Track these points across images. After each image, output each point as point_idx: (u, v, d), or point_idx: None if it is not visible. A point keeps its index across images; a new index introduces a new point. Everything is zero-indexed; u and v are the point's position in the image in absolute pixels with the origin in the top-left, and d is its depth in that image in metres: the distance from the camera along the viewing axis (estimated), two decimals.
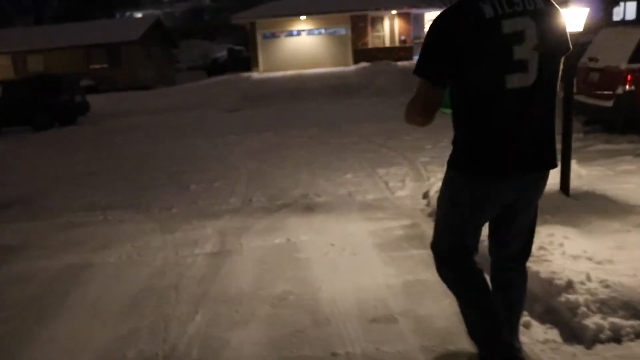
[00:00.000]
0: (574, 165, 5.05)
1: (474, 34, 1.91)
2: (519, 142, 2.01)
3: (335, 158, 8.03)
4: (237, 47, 34.56)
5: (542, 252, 3.14)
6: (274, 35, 28.07)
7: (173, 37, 33.67)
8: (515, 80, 1.94)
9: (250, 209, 5.66)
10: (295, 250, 4.23)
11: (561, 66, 2.10)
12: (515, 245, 2.31)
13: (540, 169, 2.14)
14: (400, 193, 5.86)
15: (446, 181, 2.20)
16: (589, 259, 3.07)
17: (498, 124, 1.99)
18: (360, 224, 4.77)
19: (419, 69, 2.00)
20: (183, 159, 8.86)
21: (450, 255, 2.27)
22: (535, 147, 2.05)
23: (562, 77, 2.12)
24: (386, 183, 6.33)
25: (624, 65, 7.26)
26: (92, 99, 18.39)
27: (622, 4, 26.38)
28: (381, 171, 6.93)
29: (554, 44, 2.03)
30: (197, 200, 6.23)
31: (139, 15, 42.65)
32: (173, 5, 56.96)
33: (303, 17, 27.30)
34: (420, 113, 2.02)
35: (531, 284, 2.88)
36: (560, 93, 2.29)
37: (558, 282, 2.81)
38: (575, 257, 3.08)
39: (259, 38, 27.84)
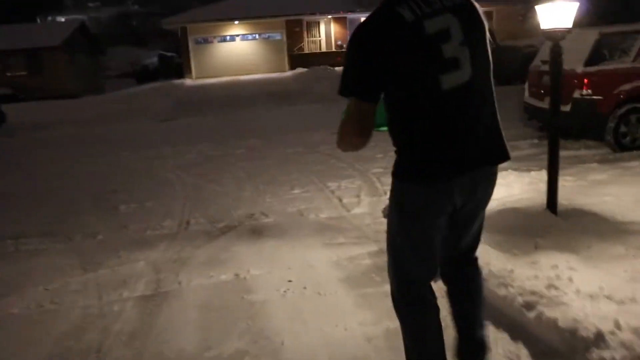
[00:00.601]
0: (544, 175, 4.63)
1: (397, 41, 1.83)
2: (461, 140, 1.92)
3: (280, 171, 7.37)
4: (169, 54, 33.26)
5: (553, 291, 2.60)
6: (206, 41, 27.14)
7: (100, 43, 32.10)
8: (450, 80, 1.87)
9: (188, 234, 4.93)
10: (247, 290, 3.54)
11: (491, 59, 2.00)
12: (467, 246, 2.22)
13: (490, 163, 2.04)
14: (357, 210, 5.27)
15: (392, 192, 2.10)
16: (608, 297, 2.55)
17: (437, 126, 1.91)
18: (319, 252, 4.14)
19: (345, 89, 1.89)
20: (110, 175, 7.94)
21: (409, 284, 2.15)
22: (479, 143, 1.96)
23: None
24: (339, 199, 5.73)
25: (580, 69, 6.96)
26: (9, 108, 16.96)
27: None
28: (332, 185, 6.33)
29: (481, 37, 1.96)
30: (126, 223, 5.43)
31: (62, 20, 40.50)
32: (99, 10, 54.83)
33: (236, 22, 26.52)
34: (356, 134, 1.92)
35: (549, 336, 2.33)
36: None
37: (584, 333, 2.27)
38: (592, 297, 2.55)
39: (191, 44, 26.85)
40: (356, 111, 1.89)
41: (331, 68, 23.29)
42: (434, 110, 1.89)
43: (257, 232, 4.82)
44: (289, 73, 24.78)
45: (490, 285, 2.88)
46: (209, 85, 22.77)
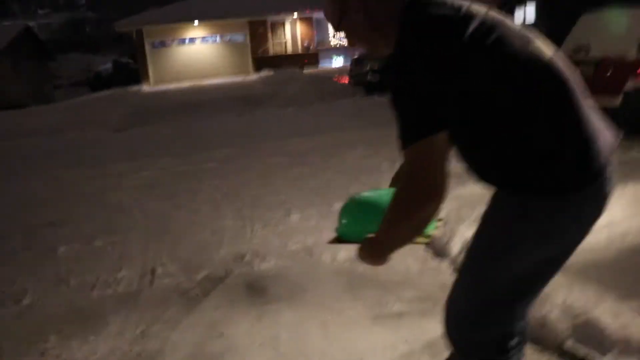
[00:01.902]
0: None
1: (458, 36, 1.37)
2: (593, 124, 1.43)
3: (265, 189, 5.87)
4: (124, 60, 31.29)
5: None
6: (164, 44, 25.45)
7: (48, 49, 29.90)
8: (540, 49, 1.44)
9: (154, 294, 3.41)
10: None
11: None
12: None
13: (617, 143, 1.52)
14: None
15: (512, 217, 1.44)
16: None
17: (564, 106, 1.40)
18: (372, 335, 2.64)
19: (411, 136, 1.37)
20: (49, 202, 6.24)
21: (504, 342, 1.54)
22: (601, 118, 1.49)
23: None
24: None
25: (632, 55, 5.69)
26: None
27: (523, 7, 26.21)
28: (339, 207, 4.87)
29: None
30: (66, 276, 3.88)
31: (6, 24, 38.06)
32: (50, 16, 52.34)
33: (196, 23, 24.88)
34: (433, 186, 1.36)
35: None
36: None
37: None
38: None
39: (147, 48, 25.12)
40: (424, 156, 1.36)
41: (299, 70, 21.93)
42: (549, 85, 1.41)
43: (255, 290, 3.33)
44: (254, 76, 23.29)
45: None
46: (169, 92, 21.09)
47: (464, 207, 3.92)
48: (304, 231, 4.39)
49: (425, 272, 3.32)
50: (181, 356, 2.58)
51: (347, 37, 1.62)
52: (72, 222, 5.26)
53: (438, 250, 3.52)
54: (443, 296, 2.74)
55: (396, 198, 1.43)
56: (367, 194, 2.02)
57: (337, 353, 2.47)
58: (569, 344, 2.20)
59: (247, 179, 6.45)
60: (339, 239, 1.90)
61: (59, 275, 3.91)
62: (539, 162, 1.39)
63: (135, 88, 22.88)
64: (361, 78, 15.25)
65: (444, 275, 3.18)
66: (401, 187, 1.43)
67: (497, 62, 1.39)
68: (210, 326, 2.85)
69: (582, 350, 2.16)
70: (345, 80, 17.74)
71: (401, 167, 1.93)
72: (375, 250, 1.52)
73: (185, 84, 22.94)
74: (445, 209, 3.87)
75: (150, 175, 7.21)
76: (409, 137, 1.37)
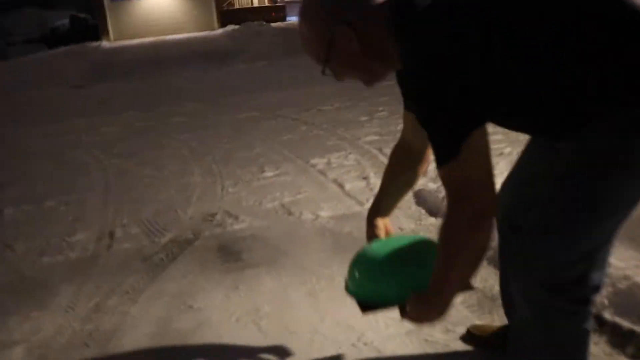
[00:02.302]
0: None
1: None
2: None
3: (237, 144, 5.43)
4: (82, 15, 29.77)
5: None
6: None
7: (1, 4, 28.34)
8: None
9: (112, 262, 2.99)
10: None
11: None
12: None
13: None
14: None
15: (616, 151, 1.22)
16: None
17: None
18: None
19: (455, 138, 1.22)
20: None
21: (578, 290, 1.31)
22: None
23: None
24: (339, 184, 3.92)
25: None
26: None
27: None
28: (318, 162, 4.49)
29: None
30: (12, 241, 3.42)
31: None
32: None
33: None
34: (491, 194, 1.26)
35: None
36: None
37: None
38: None
39: (106, 2, 23.98)
40: (474, 157, 1.22)
41: (266, 23, 21.11)
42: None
43: (229, 254, 2.93)
44: (219, 31, 22.36)
45: None
46: (131, 47, 20.16)
47: None
48: (280, 188, 3.99)
49: (420, 231, 2.96)
50: (142, 334, 2.18)
51: (338, 72, 1.42)
52: (22, 182, 4.76)
53: (432, 206, 3.16)
54: None
55: (448, 232, 1.29)
56: (377, 245, 1.68)
57: (331, 330, 2.10)
58: (608, 314, 1.86)
59: (217, 134, 5.98)
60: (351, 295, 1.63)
61: (3, 240, 3.45)
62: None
63: (94, 44, 21.82)
64: None
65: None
66: (451, 215, 1.28)
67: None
68: (178, 297, 2.44)
69: (624, 322, 1.82)
70: None
71: (400, 141, 1.75)
72: (434, 305, 1.36)
73: (148, 40, 22.02)
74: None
75: (112, 132, 6.67)
76: (453, 140, 1.21)
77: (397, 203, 1.81)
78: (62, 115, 8.27)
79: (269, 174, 4.36)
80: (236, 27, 21.51)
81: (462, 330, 1.99)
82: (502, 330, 1.84)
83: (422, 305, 1.38)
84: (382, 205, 1.76)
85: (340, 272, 2.53)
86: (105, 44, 22.28)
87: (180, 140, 5.83)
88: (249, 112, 7.01)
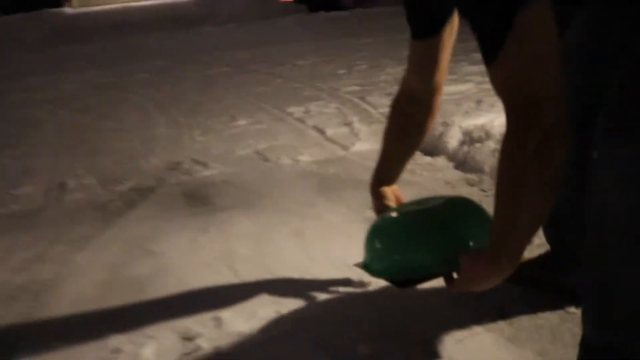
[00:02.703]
0: None
1: None
2: None
3: (207, 97, 4.99)
4: None
5: None
6: None
7: None
8: None
9: (61, 213, 2.57)
10: None
11: None
12: None
13: None
14: (360, 147, 3.11)
15: None
16: None
17: None
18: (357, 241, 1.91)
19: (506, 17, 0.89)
20: None
21: None
22: None
23: None
24: (319, 130, 3.54)
25: None
26: None
27: None
28: (296, 110, 4.10)
29: None
30: None
31: None
32: None
33: None
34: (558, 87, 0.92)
35: None
36: None
37: None
38: None
39: None
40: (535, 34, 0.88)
41: None
42: None
43: (197, 199, 2.54)
44: None
45: None
46: (95, 13, 19.43)
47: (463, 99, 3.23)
48: (254, 136, 3.59)
49: (416, 170, 2.60)
50: (90, 282, 1.78)
51: None
52: None
53: (430, 146, 2.80)
54: (445, 193, 2.05)
55: (508, 161, 0.97)
56: (394, 213, 1.40)
57: (324, 269, 1.73)
58: None
59: (185, 89, 5.53)
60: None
61: None
62: None
63: (55, 10, 20.87)
64: None
65: (444, 172, 2.48)
66: (509, 136, 0.97)
67: None
68: (134, 243, 2.04)
69: None
70: None
71: (400, 93, 1.46)
72: (498, 263, 1.00)
73: (113, 6, 21.33)
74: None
75: (69, 88, 6.15)
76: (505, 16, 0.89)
77: (403, 167, 1.52)
78: (18, 75, 7.68)
79: (241, 122, 3.95)
80: None
81: None
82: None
83: (484, 265, 1.03)
84: (387, 172, 1.48)
85: (328, 210, 2.17)
86: (67, 10, 21.32)
87: (143, 95, 5.36)
88: (219, 68, 6.54)
